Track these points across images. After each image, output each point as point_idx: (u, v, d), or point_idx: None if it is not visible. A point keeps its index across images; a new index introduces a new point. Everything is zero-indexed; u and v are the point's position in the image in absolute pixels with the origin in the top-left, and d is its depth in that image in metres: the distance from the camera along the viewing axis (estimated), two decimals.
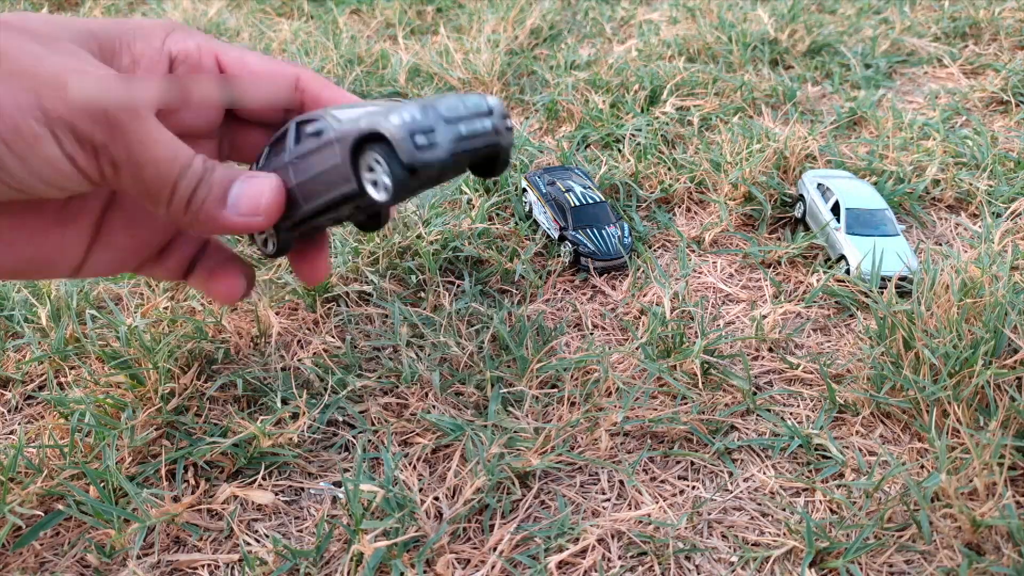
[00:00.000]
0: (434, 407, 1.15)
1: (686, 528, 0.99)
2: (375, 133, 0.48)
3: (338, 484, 1.05)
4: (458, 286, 1.40)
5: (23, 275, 0.55)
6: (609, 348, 1.27)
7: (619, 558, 0.95)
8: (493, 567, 0.93)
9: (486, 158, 0.52)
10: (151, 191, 0.48)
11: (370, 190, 0.49)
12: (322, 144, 0.51)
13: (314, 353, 1.24)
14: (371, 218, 0.61)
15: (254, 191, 0.51)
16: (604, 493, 1.04)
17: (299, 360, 1.23)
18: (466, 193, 1.61)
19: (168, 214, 0.50)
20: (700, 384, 1.18)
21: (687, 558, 0.95)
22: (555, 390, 1.18)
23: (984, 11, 2.49)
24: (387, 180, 0.48)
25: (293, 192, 0.53)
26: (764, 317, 1.33)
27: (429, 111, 0.48)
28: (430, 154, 0.48)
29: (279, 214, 0.52)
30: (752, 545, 0.97)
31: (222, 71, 0.56)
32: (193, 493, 1.04)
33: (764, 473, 1.07)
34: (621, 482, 1.06)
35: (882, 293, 1.31)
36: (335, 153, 0.50)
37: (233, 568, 0.95)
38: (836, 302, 1.38)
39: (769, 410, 1.16)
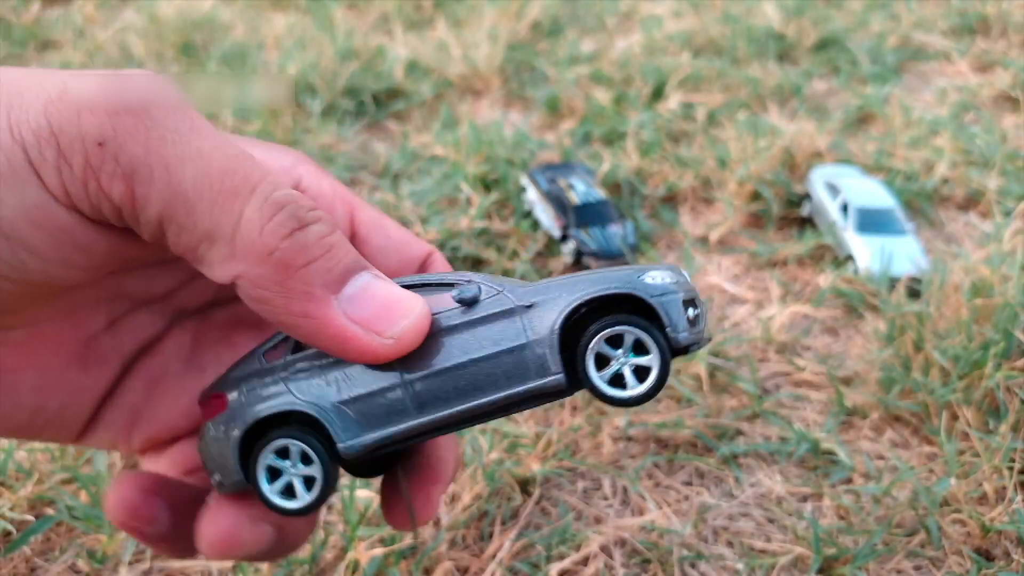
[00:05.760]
0: None
1: (691, 535, 0.97)
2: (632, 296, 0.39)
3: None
4: None
5: (20, 432, 0.38)
6: None
7: (622, 566, 0.93)
8: (492, 575, 0.92)
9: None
10: (199, 209, 0.28)
11: (604, 388, 0.40)
12: (487, 317, 0.39)
13: None
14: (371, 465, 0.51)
15: (393, 299, 0.34)
16: (607, 499, 1.02)
17: None
18: (464, 190, 1.59)
19: (233, 256, 0.29)
20: (706, 387, 1.16)
21: (692, 566, 0.93)
22: None
23: (992, 6, 2.46)
24: (656, 367, 0.40)
25: (413, 388, 0.38)
26: (771, 318, 1.31)
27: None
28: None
29: (412, 347, 0.36)
30: (759, 552, 0.95)
31: (354, 230, 0.45)
32: None
33: (771, 479, 1.05)
34: (624, 488, 1.04)
35: (891, 293, 1.29)
36: (518, 329, 0.39)
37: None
38: (845, 303, 1.36)
39: (776, 414, 1.14)
